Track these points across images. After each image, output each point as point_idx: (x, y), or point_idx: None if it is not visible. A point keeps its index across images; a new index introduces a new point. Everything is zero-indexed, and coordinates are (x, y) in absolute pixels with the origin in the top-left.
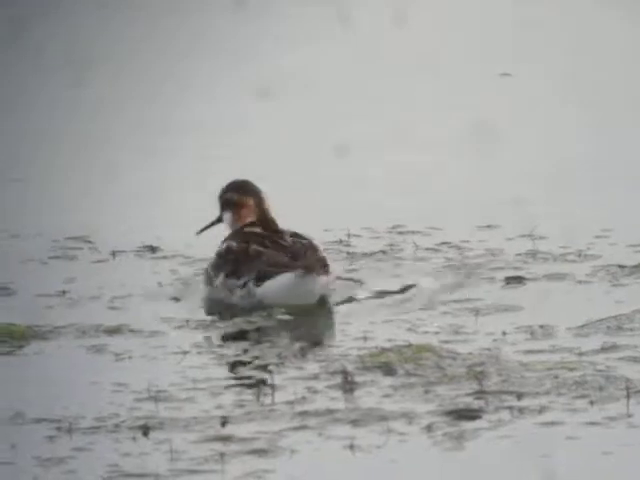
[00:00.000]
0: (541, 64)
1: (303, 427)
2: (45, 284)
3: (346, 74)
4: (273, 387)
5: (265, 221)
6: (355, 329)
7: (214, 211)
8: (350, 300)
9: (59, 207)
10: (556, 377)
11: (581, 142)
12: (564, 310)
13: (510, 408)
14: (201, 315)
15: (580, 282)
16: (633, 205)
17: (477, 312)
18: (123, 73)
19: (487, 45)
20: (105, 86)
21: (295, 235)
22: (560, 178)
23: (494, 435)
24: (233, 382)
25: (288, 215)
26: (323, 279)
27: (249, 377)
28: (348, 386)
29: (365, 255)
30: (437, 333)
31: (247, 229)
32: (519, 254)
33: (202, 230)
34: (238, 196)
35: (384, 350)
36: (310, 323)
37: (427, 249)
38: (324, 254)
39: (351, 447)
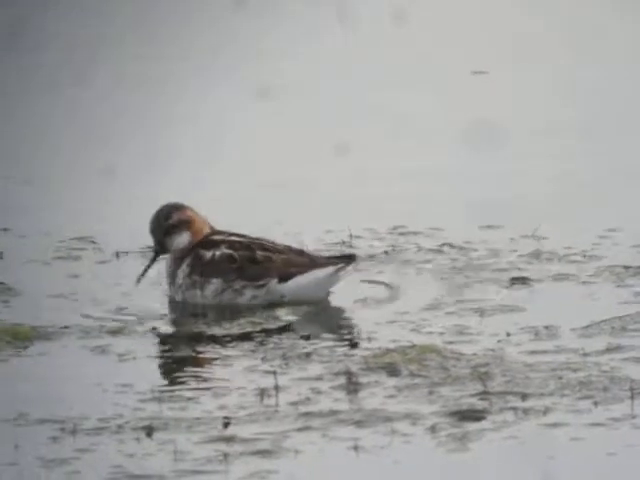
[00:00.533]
0: (542, 64)
1: (307, 428)
2: (49, 285)
3: (346, 74)
4: (277, 388)
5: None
6: (359, 330)
7: (214, 211)
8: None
9: (63, 208)
10: (560, 378)
11: (585, 141)
12: (568, 311)
13: (514, 409)
14: (205, 316)
15: (584, 283)
16: (637, 205)
17: (482, 313)
18: (123, 73)
19: (486, 45)
20: (106, 86)
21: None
22: (563, 177)
23: (498, 436)
24: (237, 383)
25: (288, 216)
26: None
27: (253, 378)
28: (352, 387)
29: (369, 256)
30: (441, 334)
31: (215, 237)
32: (523, 255)
33: (143, 274)
34: (184, 215)
35: (388, 351)
36: (314, 324)
37: (430, 250)
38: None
39: (355, 448)
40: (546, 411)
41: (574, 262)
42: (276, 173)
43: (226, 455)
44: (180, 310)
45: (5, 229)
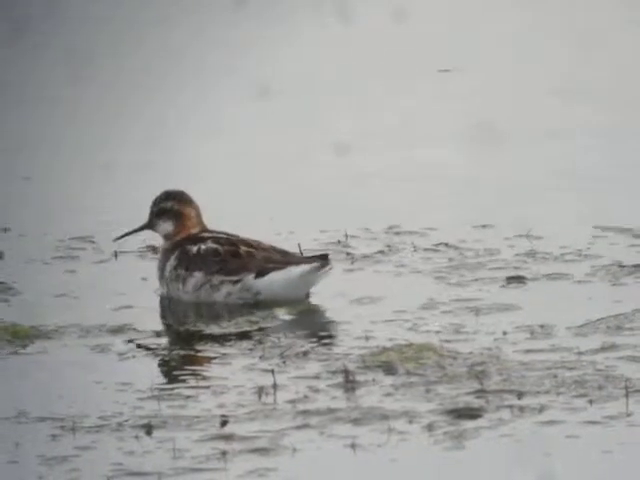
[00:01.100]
0: (543, 63)
1: (305, 426)
2: (49, 284)
3: (346, 74)
4: (275, 386)
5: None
6: (356, 328)
7: (215, 211)
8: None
9: (63, 208)
10: (556, 376)
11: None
12: (564, 310)
13: (510, 407)
14: (203, 315)
15: (580, 282)
16: (631, 204)
17: (478, 312)
18: (123, 73)
19: (487, 44)
20: (105, 85)
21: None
22: (558, 177)
23: (494, 434)
24: (235, 381)
25: (284, 216)
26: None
27: (251, 376)
28: (349, 385)
29: (365, 256)
30: (438, 332)
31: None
32: (518, 254)
33: (121, 237)
34: (180, 206)
35: (385, 349)
36: (311, 323)
37: (425, 249)
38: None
39: (352, 446)
40: (542, 409)
41: (569, 261)
42: (276, 173)
43: (225, 453)
44: (179, 309)
45: (5, 229)
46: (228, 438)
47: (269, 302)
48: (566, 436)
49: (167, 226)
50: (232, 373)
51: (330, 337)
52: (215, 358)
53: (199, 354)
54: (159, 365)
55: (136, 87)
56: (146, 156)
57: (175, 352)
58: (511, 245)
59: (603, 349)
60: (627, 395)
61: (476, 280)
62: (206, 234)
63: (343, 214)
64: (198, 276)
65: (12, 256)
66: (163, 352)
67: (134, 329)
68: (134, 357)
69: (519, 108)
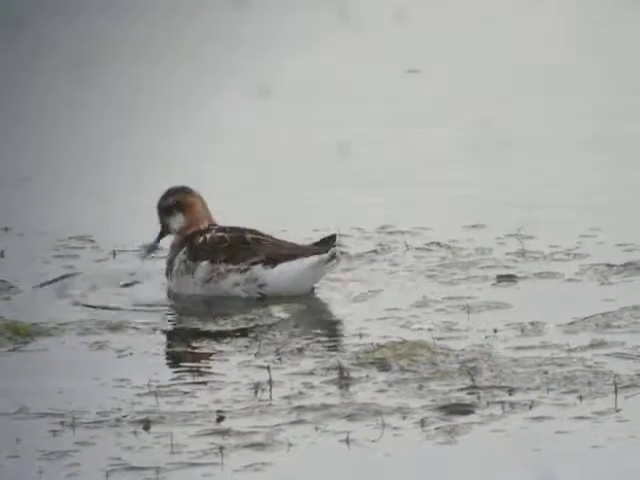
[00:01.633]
0: (543, 63)
1: (300, 421)
2: (49, 283)
3: (346, 74)
4: (271, 382)
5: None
6: (351, 326)
7: (215, 211)
8: None
9: (63, 207)
10: (546, 373)
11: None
12: (554, 308)
13: (501, 403)
14: (201, 312)
15: (569, 280)
16: (620, 204)
17: (469, 310)
18: (125, 74)
19: (485, 44)
20: (107, 87)
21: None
22: (547, 178)
23: (486, 429)
24: (232, 378)
25: (276, 215)
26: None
27: (247, 373)
28: (344, 382)
29: (358, 255)
30: (431, 330)
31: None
32: (509, 253)
33: (148, 251)
34: (182, 197)
35: (379, 346)
36: (306, 320)
37: (418, 249)
38: None
39: (347, 441)
40: (532, 405)
41: (559, 260)
42: (275, 173)
43: (221, 448)
44: (177, 306)
45: (6, 228)
46: (224, 433)
47: (271, 298)
48: (556, 431)
49: (178, 219)
50: (228, 369)
51: (325, 335)
52: (212, 355)
53: (196, 351)
54: (157, 362)
55: (135, 89)
56: (145, 157)
57: (172, 349)
58: (501, 245)
59: (592, 346)
60: (616, 391)
61: (468, 279)
62: (213, 227)
63: (336, 213)
64: (205, 265)
65: (12, 255)
66: (161, 349)
67: (132, 327)
68: (132, 354)
69: (518, 109)
